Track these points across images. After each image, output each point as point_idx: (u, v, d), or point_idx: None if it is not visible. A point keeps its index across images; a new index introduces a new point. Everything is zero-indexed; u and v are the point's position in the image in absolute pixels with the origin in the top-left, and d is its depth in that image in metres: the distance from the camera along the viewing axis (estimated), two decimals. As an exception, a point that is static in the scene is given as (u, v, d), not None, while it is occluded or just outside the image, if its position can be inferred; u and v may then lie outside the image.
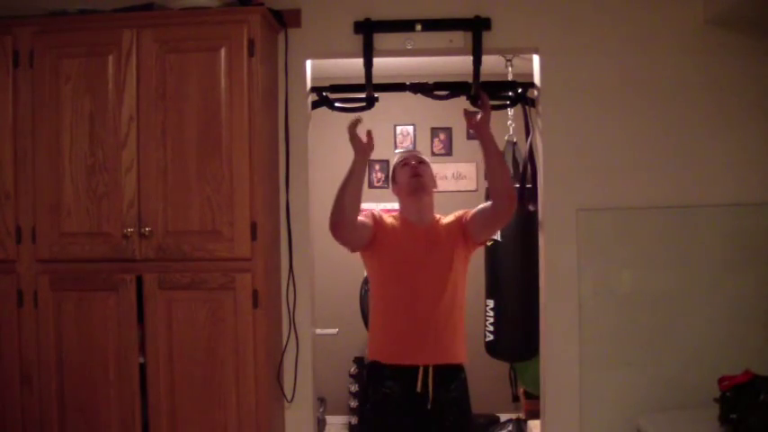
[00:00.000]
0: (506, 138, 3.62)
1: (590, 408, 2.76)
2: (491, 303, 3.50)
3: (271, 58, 2.67)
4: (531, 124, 3.08)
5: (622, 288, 2.78)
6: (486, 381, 3.90)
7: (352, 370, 4.73)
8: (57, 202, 2.52)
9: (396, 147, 4.96)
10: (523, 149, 3.19)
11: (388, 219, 2.68)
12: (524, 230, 3.19)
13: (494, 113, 2.58)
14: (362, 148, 2.50)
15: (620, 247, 2.78)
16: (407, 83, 2.99)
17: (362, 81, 2.81)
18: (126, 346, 2.50)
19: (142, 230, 2.48)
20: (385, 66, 2.99)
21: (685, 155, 2.77)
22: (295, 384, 2.76)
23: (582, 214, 2.77)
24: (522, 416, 4.31)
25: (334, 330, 4.01)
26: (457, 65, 3.02)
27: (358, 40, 2.79)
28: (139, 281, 2.49)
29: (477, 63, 2.77)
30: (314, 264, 2.94)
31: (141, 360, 2.50)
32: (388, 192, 2.95)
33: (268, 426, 2.51)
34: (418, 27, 2.78)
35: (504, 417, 4.61)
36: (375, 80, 2.82)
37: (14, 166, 2.54)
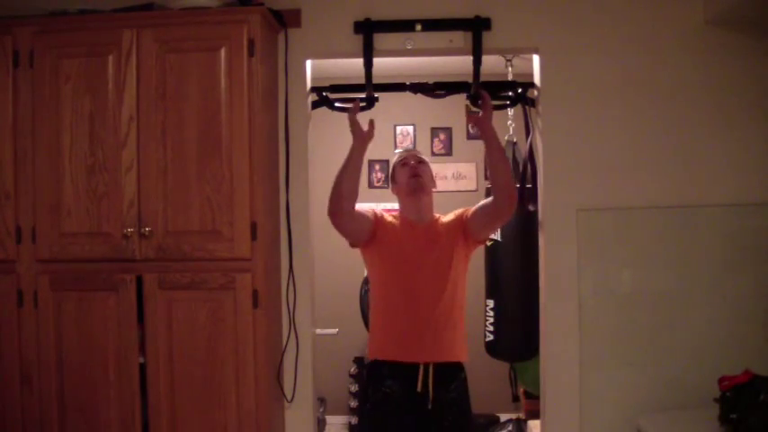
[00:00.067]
0: (506, 138, 3.62)
1: (590, 408, 2.76)
2: (491, 303, 3.50)
3: (271, 58, 2.67)
4: (531, 124, 3.08)
5: (622, 288, 2.78)
6: (486, 381, 3.90)
7: (352, 370, 4.73)
8: (57, 202, 2.52)
9: (396, 147, 4.95)
10: (523, 149, 3.19)
11: (389, 218, 2.68)
12: (524, 230, 3.19)
13: (494, 113, 2.59)
14: (362, 136, 2.52)
15: (620, 247, 2.78)
16: (407, 83, 2.99)
17: (362, 81, 2.81)
18: (126, 346, 2.50)
19: (142, 230, 2.48)
20: (385, 66, 2.99)
21: (685, 155, 2.77)
22: (295, 384, 2.76)
23: (582, 214, 2.77)
24: (522, 416, 4.31)
25: (334, 330, 4.00)
26: (457, 65, 3.02)
27: (358, 40, 2.79)
28: (139, 281, 2.49)
29: (477, 63, 2.77)
30: (314, 264, 2.94)
31: (141, 360, 2.50)
32: (388, 192, 2.95)
33: (268, 426, 2.51)
34: (418, 27, 2.78)
35: (504, 417, 4.61)
36: (375, 80, 2.82)
37: (14, 166, 2.54)
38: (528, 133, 3.10)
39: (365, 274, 4.00)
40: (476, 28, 2.75)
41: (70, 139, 2.52)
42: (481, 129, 2.55)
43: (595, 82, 2.77)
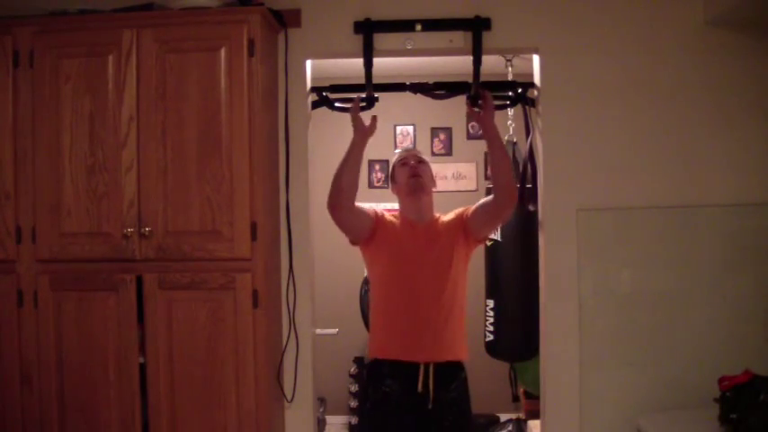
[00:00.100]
0: (506, 138, 3.62)
1: (590, 408, 2.76)
2: (491, 303, 3.50)
3: (271, 58, 2.67)
4: (531, 124, 3.08)
5: (622, 288, 2.78)
6: (486, 381, 3.90)
7: (352, 370, 4.73)
8: (57, 202, 2.52)
9: (396, 147, 4.95)
10: (523, 149, 3.19)
11: (389, 217, 2.69)
12: (524, 230, 3.19)
13: (494, 113, 2.59)
14: (363, 130, 2.53)
15: (620, 247, 2.78)
16: (407, 83, 2.99)
17: (362, 81, 2.81)
18: (126, 346, 2.50)
19: (142, 230, 2.48)
20: (385, 66, 2.99)
21: (685, 155, 2.77)
22: (295, 384, 2.76)
23: (582, 214, 2.77)
24: (522, 416, 4.31)
25: (334, 330, 4.01)
26: (457, 65, 3.02)
27: (358, 40, 2.79)
28: (139, 281, 2.49)
29: (477, 63, 2.77)
30: (314, 264, 2.94)
31: (141, 360, 2.50)
32: (388, 192, 2.95)
33: (268, 426, 2.51)
34: (418, 27, 2.78)
35: (504, 417, 4.61)
36: (375, 80, 2.82)
37: (14, 166, 2.54)
38: (528, 133, 3.10)
39: (365, 274, 4.00)
40: (476, 28, 2.75)
41: (70, 139, 2.52)
42: (483, 126, 2.57)
43: (595, 82, 2.77)
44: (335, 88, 2.94)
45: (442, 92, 2.98)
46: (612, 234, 2.79)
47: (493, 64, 3.21)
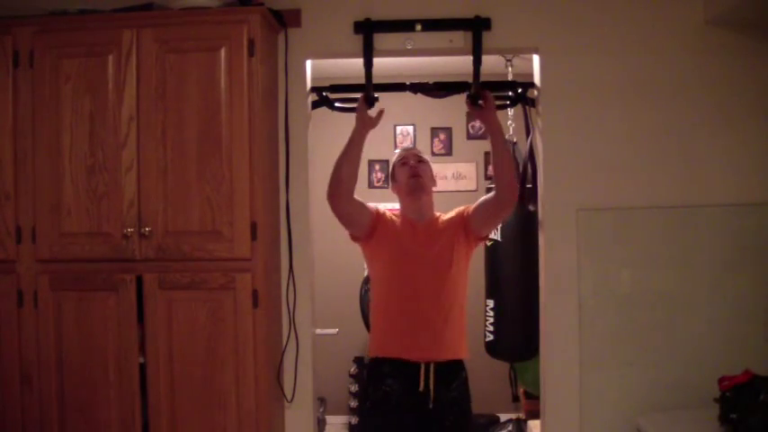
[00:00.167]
0: (506, 138, 3.62)
1: (590, 408, 2.76)
2: (491, 303, 3.50)
3: (271, 58, 2.67)
4: (531, 124, 3.08)
5: (622, 288, 2.78)
6: (486, 381, 3.90)
7: (352, 370, 4.73)
8: (57, 202, 2.52)
9: (396, 147, 4.95)
10: (523, 149, 3.19)
11: (390, 215, 2.69)
12: (524, 230, 3.19)
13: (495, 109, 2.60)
14: (365, 122, 2.54)
15: (620, 247, 2.78)
16: (407, 83, 2.99)
17: (362, 81, 2.81)
18: (126, 347, 2.50)
19: (142, 230, 2.48)
20: (385, 66, 2.99)
21: (685, 155, 2.77)
22: (295, 384, 2.76)
23: (582, 214, 2.77)
24: (522, 416, 4.31)
25: (334, 330, 4.01)
26: (457, 65, 3.02)
27: (358, 40, 2.79)
28: (139, 281, 2.49)
29: (477, 63, 2.76)
30: (314, 264, 2.93)
31: (141, 360, 2.50)
32: (389, 192, 2.96)
33: (268, 426, 2.51)
34: (418, 27, 2.78)
35: (504, 417, 4.62)
36: (375, 80, 2.81)
37: (14, 166, 2.54)
38: (528, 133, 3.10)
39: (365, 273, 4.00)
40: (476, 28, 2.75)
41: (70, 139, 2.52)
42: (486, 121, 2.58)
43: (595, 82, 2.77)
44: (335, 88, 2.94)
45: (443, 92, 2.98)
46: (612, 234, 2.78)
47: (493, 64, 3.21)
